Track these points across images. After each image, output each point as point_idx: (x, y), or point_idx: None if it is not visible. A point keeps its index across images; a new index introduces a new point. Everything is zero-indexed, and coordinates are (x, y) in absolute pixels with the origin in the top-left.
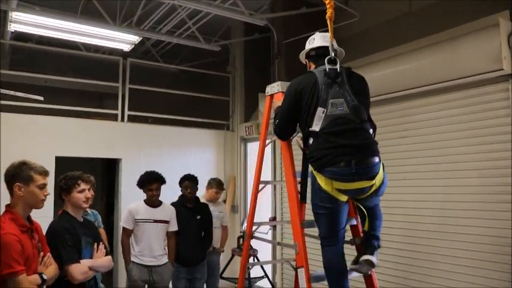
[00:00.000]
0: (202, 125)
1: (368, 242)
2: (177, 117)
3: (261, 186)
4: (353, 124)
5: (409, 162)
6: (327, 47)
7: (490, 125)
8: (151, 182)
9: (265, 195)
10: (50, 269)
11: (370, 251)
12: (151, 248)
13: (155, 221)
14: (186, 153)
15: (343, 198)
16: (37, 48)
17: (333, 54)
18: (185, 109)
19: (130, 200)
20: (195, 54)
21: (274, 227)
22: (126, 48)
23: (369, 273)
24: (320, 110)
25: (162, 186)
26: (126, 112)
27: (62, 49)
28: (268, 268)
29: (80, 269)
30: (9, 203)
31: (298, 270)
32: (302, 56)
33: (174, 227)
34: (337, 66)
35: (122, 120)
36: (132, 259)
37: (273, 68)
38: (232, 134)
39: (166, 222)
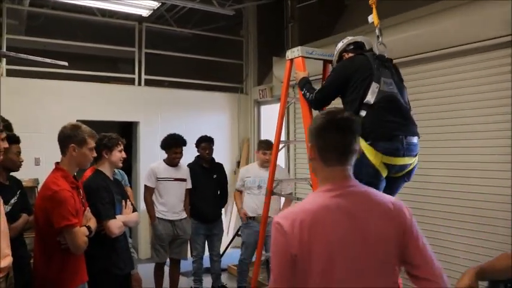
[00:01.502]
0: (216, 88)
1: None
2: (192, 80)
3: (281, 145)
4: (400, 103)
5: (422, 124)
6: (361, 42)
7: (502, 88)
8: (177, 145)
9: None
10: (91, 222)
11: None
12: (172, 205)
13: (175, 180)
14: (201, 116)
15: (385, 173)
16: (53, 14)
17: (381, 39)
18: (199, 73)
19: (149, 161)
20: (207, 19)
21: None
22: (145, 13)
23: None
24: (374, 85)
25: None
26: (143, 76)
27: (77, 14)
28: None
29: (117, 224)
30: (58, 161)
31: None
32: (336, 55)
33: (189, 184)
34: (386, 52)
35: (139, 84)
36: (156, 215)
37: (287, 32)
38: (246, 97)
39: (185, 180)
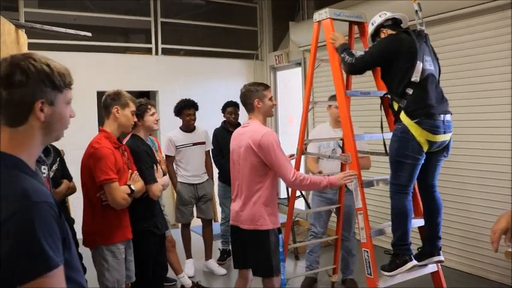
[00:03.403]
0: (232, 55)
1: (434, 244)
2: (208, 48)
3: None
4: (437, 82)
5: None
6: (399, 19)
7: (503, 48)
8: (188, 107)
9: (296, 124)
10: (138, 184)
11: (438, 252)
12: (194, 168)
13: (194, 144)
14: (217, 83)
15: (426, 148)
16: None
17: (420, 15)
18: (214, 40)
19: (169, 128)
20: None
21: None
22: None
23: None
24: (419, 64)
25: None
26: (160, 46)
27: None
28: None
29: (158, 188)
30: (103, 125)
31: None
32: (372, 29)
33: (209, 146)
34: (424, 28)
35: (156, 53)
36: (180, 180)
37: None
38: (262, 63)
39: (203, 143)
